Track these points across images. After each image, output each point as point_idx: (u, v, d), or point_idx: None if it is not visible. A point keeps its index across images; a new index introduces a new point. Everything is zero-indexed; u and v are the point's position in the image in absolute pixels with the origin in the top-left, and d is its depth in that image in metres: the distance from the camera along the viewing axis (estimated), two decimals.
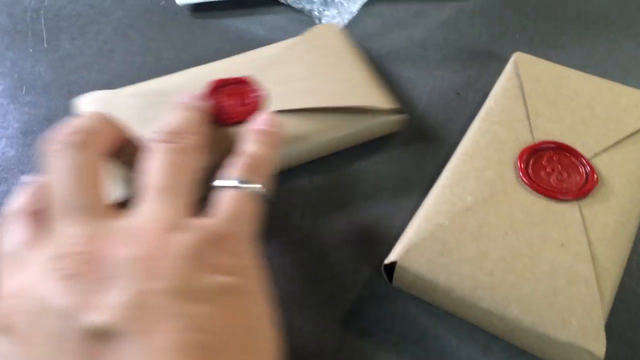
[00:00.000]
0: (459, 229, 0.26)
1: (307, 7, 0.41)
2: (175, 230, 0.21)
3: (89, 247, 0.20)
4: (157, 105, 0.31)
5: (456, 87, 0.37)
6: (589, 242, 0.26)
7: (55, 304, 0.19)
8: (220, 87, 0.32)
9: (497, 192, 0.28)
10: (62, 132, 0.23)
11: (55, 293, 0.19)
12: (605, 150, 0.29)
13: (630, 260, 0.27)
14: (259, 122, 0.28)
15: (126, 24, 0.42)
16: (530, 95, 0.32)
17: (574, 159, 0.29)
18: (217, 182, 0.25)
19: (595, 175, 0.28)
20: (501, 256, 0.26)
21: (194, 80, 0.33)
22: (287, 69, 0.33)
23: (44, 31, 0.42)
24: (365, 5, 0.42)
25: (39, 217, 0.23)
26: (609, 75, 0.37)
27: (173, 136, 0.25)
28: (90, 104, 0.32)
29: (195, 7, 0.42)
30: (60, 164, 0.23)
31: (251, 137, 0.27)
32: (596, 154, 0.29)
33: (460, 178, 0.28)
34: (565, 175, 0.28)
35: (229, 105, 0.31)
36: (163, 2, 0.43)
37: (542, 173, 0.28)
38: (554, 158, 0.29)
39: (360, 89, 0.33)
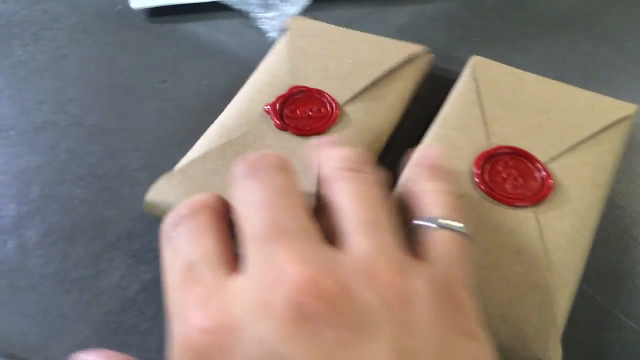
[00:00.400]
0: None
1: (245, 8, 0.41)
2: (408, 275, 0.19)
3: (325, 282, 0.17)
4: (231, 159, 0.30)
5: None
6: (545, 250, 0.26)
7: (286, 354, 0.16)
8: (292, 96, 0.32)
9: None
10: (258, 156, 0.22)
11: (285, 338, 0.16)
12: (562, 154, 0.29)
13: (588, 267, 0.27)
14: (426, 157, 0.26)
15: (80, 29, 0.41)
16: (487, 100, 0.31)
17: (530, 164, 0.29)
18: (419, 221, 0.22)
19: (550, 181, 0.28)
20: None
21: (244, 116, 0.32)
22: (312, 64, 0.33)
23: None
24: (312, 9, 0.42)
25: (220, 226, 0.21)
26: (567, 76, 0.37)
27: (362, 165, 0.23)
28: (166, 193, 0.29)
29: (151, 12, 0.42)
30: (265, 184, 0.21)
31: (429, 174, 0.24)
32: (552, 159, 0.29)
33: None
34: (521, 180, 0.28)
35: (306, 115, 0.31)
36: (119, 7, 0.42)
37: (498, 179, 0.28)
38: (510, 163, 0.29)
39: (386, 51, 0.34)
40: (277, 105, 0.31)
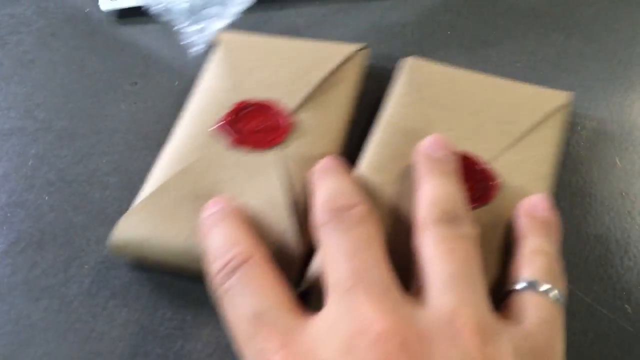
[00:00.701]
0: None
1: (170, 19, 0.40)
2: (493, 335, 0.19)
3: (408, 334, 0.18)
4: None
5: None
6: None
7: None
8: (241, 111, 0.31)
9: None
10: (344, 202, 0.23)
11: None
12: (503, 152, 0.29)
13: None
14: (537, 207, 0.25)
15: (48, 32, 0.41)
16: (426, 103, 0.31)
17: (475, 166, 0.28)
18: (516, 283, 0.22)
19: (496, 181, 0.28)
20: None
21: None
22: (253, 77, 0.33)
23: None
24: (278, 8, 0.41)
25: (275, 272, 0.23)
26: (539, 67, 0.38)
27: (460, 215, 0.23)
28: (133, 231, 0.28)
29: (121, 14, 0.41)
30: (350, 234, 0.21)
31: (535, 228, 0.24)
32: (495, 157, 0.29)
33: (367, 193, 0.27)
34: (466, 185, 0.27)
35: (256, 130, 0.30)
36: (87, 10, 0.41)
37: None
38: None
39: (324, 54, 0.33)
40: (227, 123, 0.30)
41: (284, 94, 0.31)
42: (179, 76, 0.38)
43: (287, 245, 0.26)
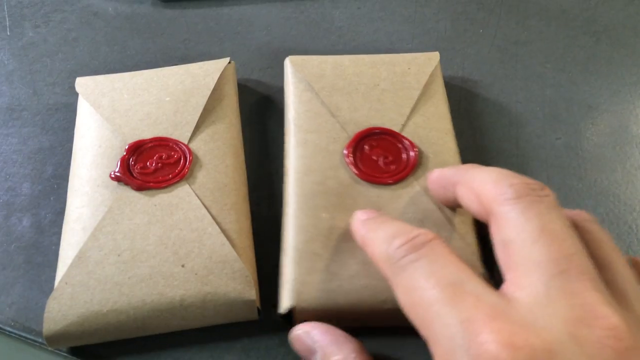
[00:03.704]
0: (333, 252, 0.26)
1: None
2: None
3: (633, 343, 0.17)
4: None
5: None
6: (448, 217, 0.27)
7: None
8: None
9: (343, 194, 0.28)
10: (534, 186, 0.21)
11: None
12: (409, 119, 0.31)
13: None
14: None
15: (91, 12, 0.42)
16: (323, 94, 0.32)
17: (391, 138, 0.30)
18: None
19: (415, 148, 0.29)
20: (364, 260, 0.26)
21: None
22: (132, 116, 0.31)
23: (7, 19, 0.41)
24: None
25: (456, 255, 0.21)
26: (568, 68, 0.39)
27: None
28: (65, 314, 0.25)
29: None
30: (557, 214, 0.21)
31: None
32: (404, 126, 0.31)
33: (306, 198, 0.28)
34: (390, 157, 0.29)
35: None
36: None
37: (372, 163, 0.29)
38: (374, 144, 0.30)
39: (197, 76, 0.33)
40: (123, 168, 0.29)
41: (174, 126, 0.30)
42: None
43: (238, 269, 0.26)
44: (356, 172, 0.28)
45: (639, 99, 0.37)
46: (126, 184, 0.28)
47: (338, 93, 0.32)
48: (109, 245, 0.26)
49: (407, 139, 0.30)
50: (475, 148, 0.34)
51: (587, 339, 0.17)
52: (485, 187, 0.23)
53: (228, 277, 0.26)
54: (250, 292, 0.25)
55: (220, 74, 0.33)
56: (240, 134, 0.33)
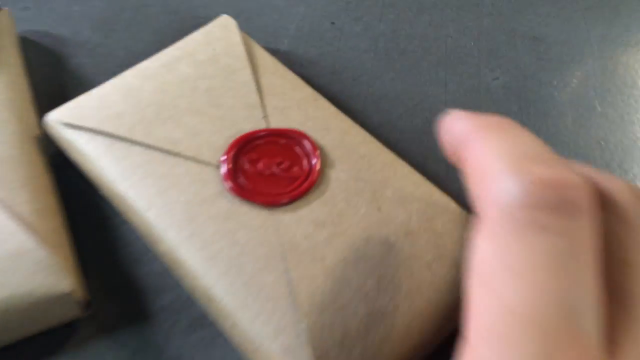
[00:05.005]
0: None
1: None
2: None
3: None
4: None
5: (331, 15, 0.31)
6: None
7: None
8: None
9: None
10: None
11: None
12: (264, 104, 0.24)
13: None
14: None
15: None
16: (138, 135, 0.23)
17: (271, 139, 0.23)
18: None
19: (317, 150, 0.23)
20: None
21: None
22: None
23: None
24: None
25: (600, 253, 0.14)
26: None
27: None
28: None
29: None
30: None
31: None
32: (266, 116, 0.24)
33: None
34: (286, 162, 0.23)
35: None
36: None
37: (266, 177, 0.23)
38: (255, 157, 0.23)
39: None
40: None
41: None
42: (77, 0, 0.31)
43: (43, 257, 0.20)
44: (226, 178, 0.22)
45: (594, 27, 0.31)
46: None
47: (156, 124, 0.23)
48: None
49: (291, 130, 0.23)
50: (394, 94, 0.28)
51: None
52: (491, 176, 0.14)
53: (30, 270, 0.19)
54: (63, 282, 0.19)
55: None
56: (25, 83, 0.26)
